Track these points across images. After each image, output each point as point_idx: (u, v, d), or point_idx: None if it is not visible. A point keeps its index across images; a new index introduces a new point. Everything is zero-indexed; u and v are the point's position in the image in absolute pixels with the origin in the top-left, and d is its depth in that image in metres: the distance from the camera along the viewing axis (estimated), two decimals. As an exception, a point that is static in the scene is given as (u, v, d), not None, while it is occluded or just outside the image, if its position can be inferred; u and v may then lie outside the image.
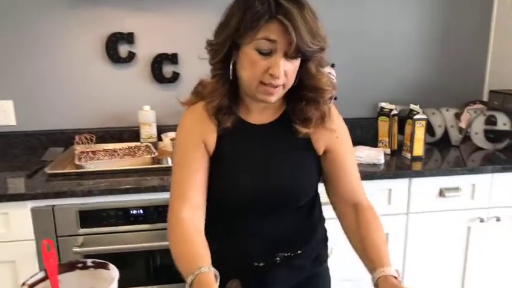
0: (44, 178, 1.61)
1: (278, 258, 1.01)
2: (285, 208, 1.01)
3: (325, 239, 1.13)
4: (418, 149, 1.83)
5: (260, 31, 0.82)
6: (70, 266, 0.78)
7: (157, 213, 1.58)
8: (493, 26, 2.27)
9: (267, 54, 0.84)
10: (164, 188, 1.56)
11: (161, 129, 2.00)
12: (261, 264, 1.00)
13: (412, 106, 1.88)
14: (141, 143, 1.96)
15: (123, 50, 1.99)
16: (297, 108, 0.96)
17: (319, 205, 1.10)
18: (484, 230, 1.81)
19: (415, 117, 1.82)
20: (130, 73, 2.03)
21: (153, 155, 1.77)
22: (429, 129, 2.05)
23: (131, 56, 2.00)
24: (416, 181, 1.73)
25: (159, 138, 1.99)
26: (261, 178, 0.96)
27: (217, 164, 0.97)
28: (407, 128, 1.86)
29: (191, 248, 0.87)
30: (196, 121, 0.97)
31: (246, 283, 0.95)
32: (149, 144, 1.89)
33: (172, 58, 2.02)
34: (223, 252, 0.98)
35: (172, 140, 1.82)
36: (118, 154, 1.79)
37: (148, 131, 1.98)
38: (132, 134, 2.04)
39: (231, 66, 0.90)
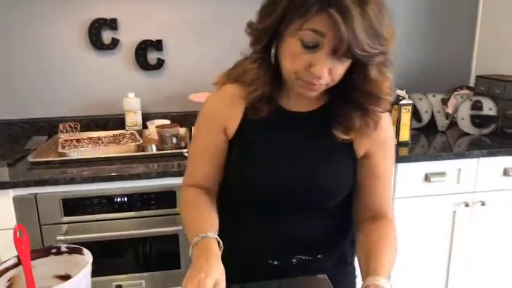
0: (26, 166, 1.59)
1: (295, 260, 0.94)
2: (311, 209, 0.92)
3: (353, 239, 1.02)
4: (404, 135, 1.83)
5: (308, 21, 0.71)
6: (44, 252, 0.77)
7: (142, 201, 1.57)
8: (480, 11, 2.26)
9: (311, 47, 0.73)
10: (149, 175, 1.55)
11: (147, 117, 1.98)
12: (275, 262, 0.94)
13: (398, 91, 1.88)
14: (126, 130, 1.94)
15: (107, 36, 1.96)
16: (339, 109, 0.85)
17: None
18: (469, 214, 1.83)
19: (401, 102, 1.81)
20: (114, 60, 2.00)
21: (137, 143, 1.76)
22: (416, 115, 2.05)
23: (115, 43, 1.96)
24: (402, 166, 1.73)
25: (145, 126, 1.97)
26: (290, 173, 0.87)
27: (242, 150, 0.91)
28: (394, 114, 1.86)
29: (199, 211, 0.87)
30: (222, 105, 0.91)
31: (259, 281, 0.89)
32: (134, 132, 1.88)
33: (157, 45, 1.99)
34: (236, 244, 0.92)
35: (157, 127, 1.81)
36: (102, 142, 1.77)
37: (134, 119, 1.96)
38: (117, 122, 2.02)
39: (273, 51, 0.81)
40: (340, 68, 0.76)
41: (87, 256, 0.75)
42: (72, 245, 0.77)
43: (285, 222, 0.92)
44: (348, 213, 0.97)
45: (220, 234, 0.85)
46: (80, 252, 0.76)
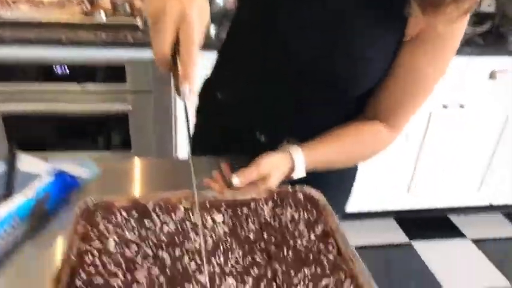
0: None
1: (286, 141, 0.75)
2: (327, 89, 0.72)
3: None
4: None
5: None
6: None
7: (85, 72, 1.41)
8: None
9: None
10: (93, 43, 1.37)
11: (100, -18, 1.72)
12: (262, 139, 0.77)
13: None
14: (75, -5, 1.69)
15: None
16: None
17: None
18: (445, 117, 1.71)
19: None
20: None
21: (84, 9, 1.53)
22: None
23: None
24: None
25: (98, -7, 1.72)
26: (323, 36, 0.67)
27: None
28: None
29: None
30: None
31: (239, 156, 0.71)
32: (83, -3, 1.63)
33: None
34: (225, 106, 0.78)
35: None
36: (43, 4, 1.54)
37: (84, -17, 1.69)
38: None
39: None
40: None
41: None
42: None
43: (289, 94, 0.74)
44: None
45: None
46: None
